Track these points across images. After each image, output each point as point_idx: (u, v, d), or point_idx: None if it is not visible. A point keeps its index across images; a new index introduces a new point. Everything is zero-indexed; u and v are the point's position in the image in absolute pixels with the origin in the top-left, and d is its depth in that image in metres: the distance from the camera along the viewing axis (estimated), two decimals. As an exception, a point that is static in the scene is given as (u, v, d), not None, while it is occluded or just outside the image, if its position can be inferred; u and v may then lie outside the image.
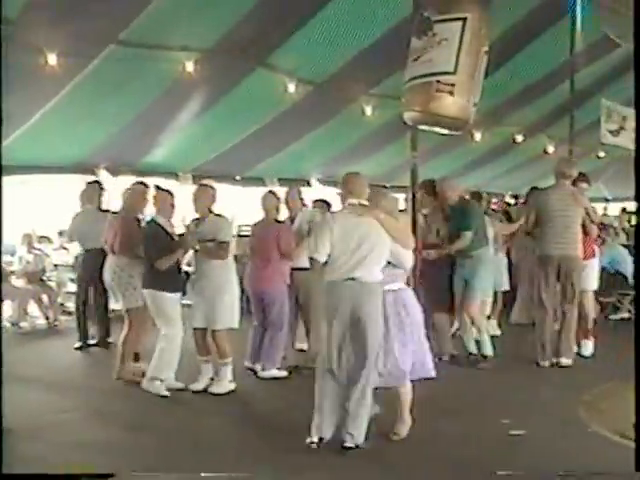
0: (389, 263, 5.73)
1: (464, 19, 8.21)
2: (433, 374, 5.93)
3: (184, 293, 7.62)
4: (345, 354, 5.63)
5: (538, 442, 5.79)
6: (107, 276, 8.14)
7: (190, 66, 9.60)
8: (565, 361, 8.65)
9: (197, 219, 7.62)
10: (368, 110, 12.72)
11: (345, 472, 5.26)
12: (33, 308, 11.94)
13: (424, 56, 8.46)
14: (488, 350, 8.62)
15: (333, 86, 11.49)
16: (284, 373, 8.14)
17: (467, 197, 9.66)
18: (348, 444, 5.52)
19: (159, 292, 7.26)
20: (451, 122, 8.76)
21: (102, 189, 10.17)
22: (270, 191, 8.83)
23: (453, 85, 8.38)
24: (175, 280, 7.37)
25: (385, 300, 5.70)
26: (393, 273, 5.80)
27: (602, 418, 6.34)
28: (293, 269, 8.30)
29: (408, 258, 5.81)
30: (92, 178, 10.93)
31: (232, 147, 12.50)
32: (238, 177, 13.90)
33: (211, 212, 7.57)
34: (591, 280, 9.34)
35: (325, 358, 5.68)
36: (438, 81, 8.37)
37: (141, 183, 8.59)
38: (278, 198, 8.45)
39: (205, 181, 7.94)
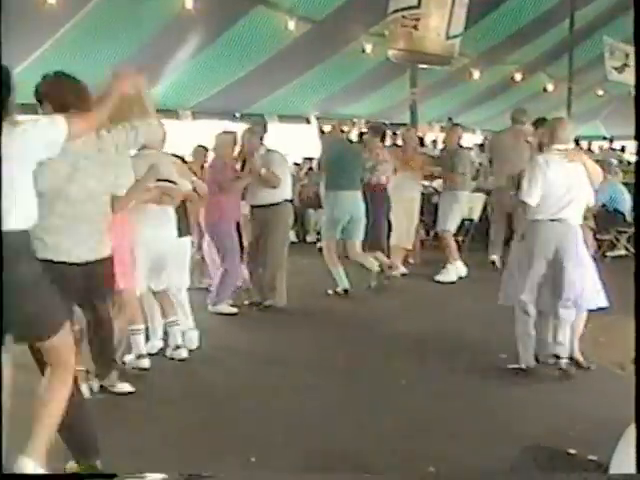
0: None
1: None
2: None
3: None
4: (545, 289, 5.78)
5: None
6: None
7: (189, 3, 9.55)
8: None
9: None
10: (368, 47, 12.67)
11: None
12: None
13: None
14: None
15: (333, 24, 11.42)
16: (234, 309, 7.86)
17: None
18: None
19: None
20: (425, 57, 8.84)
21: None
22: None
23: (417, 19, 8.39)
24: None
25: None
26: None
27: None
28: (253, 206, 7.93)
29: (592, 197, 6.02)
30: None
31: (232, 84, 12.46)
32: (238, 114, 13.89)
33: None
34: None
35: (524, 291, 5.78)
36: (404, 16, 8.42)
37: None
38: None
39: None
